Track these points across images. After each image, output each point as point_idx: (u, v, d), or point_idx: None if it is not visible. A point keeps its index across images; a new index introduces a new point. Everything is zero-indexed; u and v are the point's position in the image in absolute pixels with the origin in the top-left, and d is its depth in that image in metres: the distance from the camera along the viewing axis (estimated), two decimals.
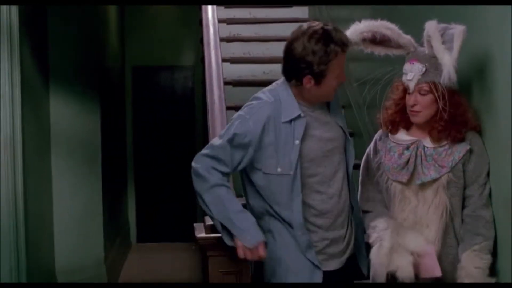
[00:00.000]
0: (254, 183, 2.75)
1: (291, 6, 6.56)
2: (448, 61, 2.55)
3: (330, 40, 2.57)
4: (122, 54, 8.51)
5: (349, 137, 2.88)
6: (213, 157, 2.69)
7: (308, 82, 2.62)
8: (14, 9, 4.48)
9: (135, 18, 8.65)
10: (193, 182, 2.72)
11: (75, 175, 6.04)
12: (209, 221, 3.15)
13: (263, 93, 2.74)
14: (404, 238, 2.68)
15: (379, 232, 2.74)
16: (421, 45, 2.72)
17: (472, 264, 2.60)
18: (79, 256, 6.05)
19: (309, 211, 2.73)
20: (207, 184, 2.68)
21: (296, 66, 2.61)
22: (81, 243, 6.07)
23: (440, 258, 2.67)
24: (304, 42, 2.57)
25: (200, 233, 3.06)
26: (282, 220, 2.74)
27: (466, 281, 2.60)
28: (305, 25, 2.63)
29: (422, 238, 2.68)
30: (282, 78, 2.75)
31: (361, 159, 2.97)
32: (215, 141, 2.73)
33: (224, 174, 2.70)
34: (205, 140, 4.11)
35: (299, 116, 2.67)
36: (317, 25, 2.61)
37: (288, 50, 2.63)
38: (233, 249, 2.72)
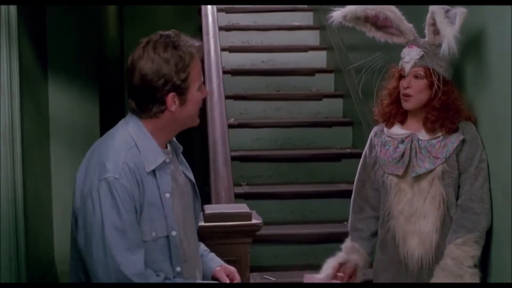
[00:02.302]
0: None
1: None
2: (449, 31, 2.60)
3: (177, 43, 2.11)
4: (120, 44, 8.49)
5: (197, 192, 2.37)
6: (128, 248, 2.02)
7: (172, 102, 2.10)
8: None
9: (133, 7, 8.63)
10: None
11: (74, 165, 5.94)
12: (208, 210, 3.16)
13: (113, 138, 2.12)
14: None
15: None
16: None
17: (448, 255, 2.63)
18: None
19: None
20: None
21: (152, 87, 2.07)
22: None
23: (439, 249, 2.69)
24: (150, 55, 2.07)
25: (199, 222, 3.06)
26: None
27: (437, 271, 2.63)
28: (140, 43, 2.14)
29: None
30: (127, 116, 2.17)
31: (359, 148, 2.97)
32: (110, 234, 2.01)
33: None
34: (203, 129, 4.12)
35: (164, 163, 2.14)
36: (154, 36, 2.15)
37: (134, 74, 2.08)
38: (232, 237, 2.72)
